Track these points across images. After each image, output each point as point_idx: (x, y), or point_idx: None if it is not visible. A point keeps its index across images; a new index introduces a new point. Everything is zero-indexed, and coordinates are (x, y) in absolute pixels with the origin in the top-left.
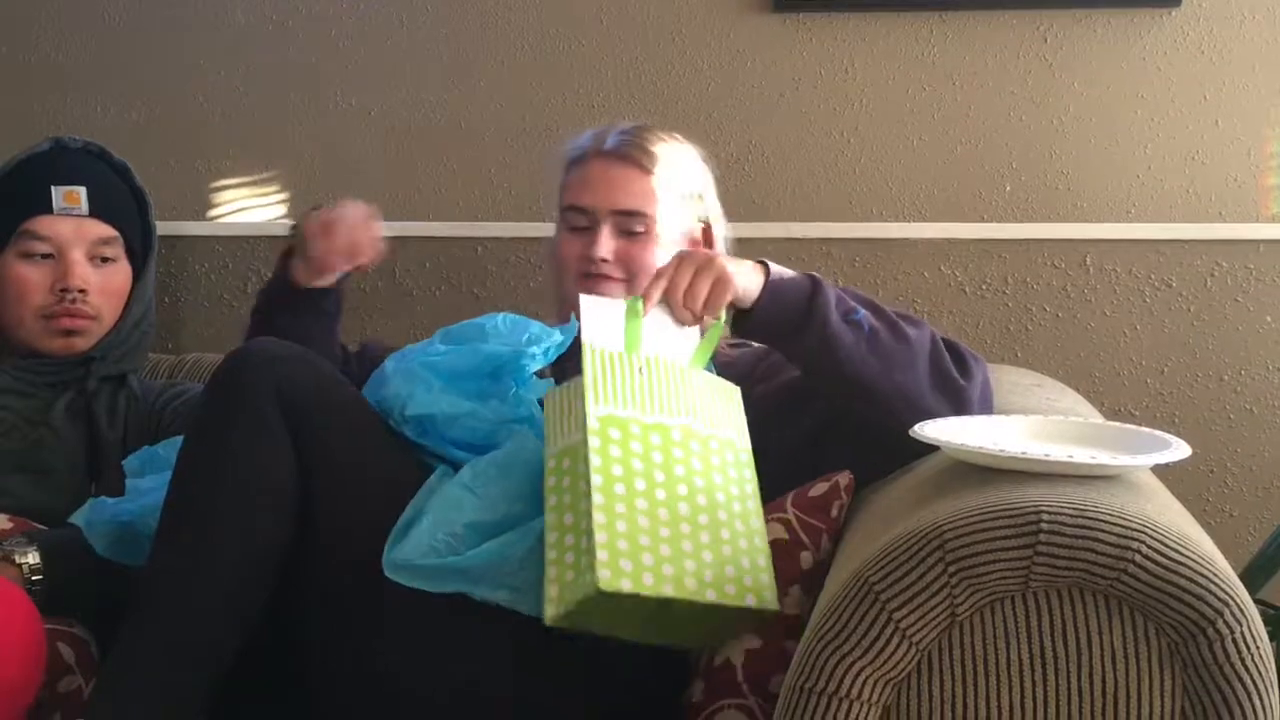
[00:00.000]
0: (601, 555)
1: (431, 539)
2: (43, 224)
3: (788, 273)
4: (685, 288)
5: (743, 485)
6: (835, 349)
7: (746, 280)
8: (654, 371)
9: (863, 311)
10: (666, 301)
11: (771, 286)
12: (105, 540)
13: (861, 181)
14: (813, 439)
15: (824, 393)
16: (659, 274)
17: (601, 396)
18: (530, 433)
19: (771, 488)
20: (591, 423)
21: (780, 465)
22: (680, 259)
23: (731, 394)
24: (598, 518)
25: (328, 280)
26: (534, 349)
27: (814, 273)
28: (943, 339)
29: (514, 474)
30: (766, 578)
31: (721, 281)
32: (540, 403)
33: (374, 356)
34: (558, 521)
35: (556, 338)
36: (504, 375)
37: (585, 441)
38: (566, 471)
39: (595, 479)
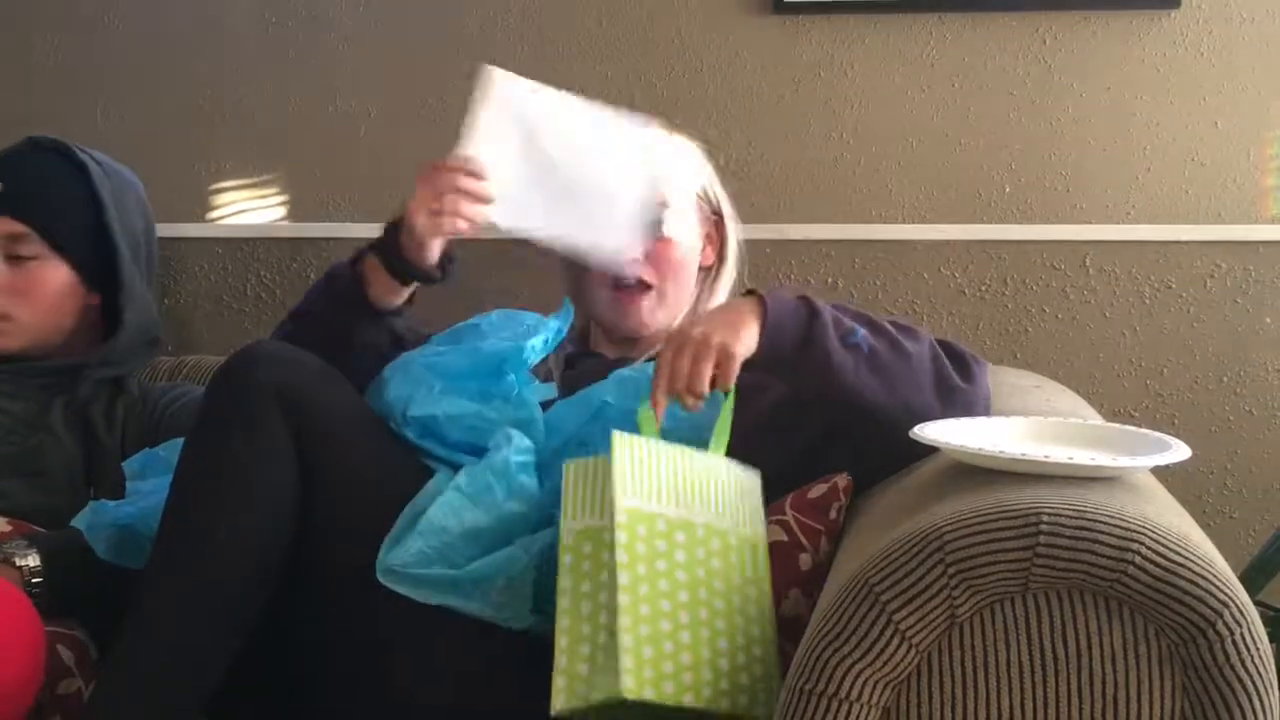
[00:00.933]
0: (627, 661)
1: (425, 545)
2: None
3: (781, 304)
4: (687, 376)
5: (760, 586)
6: (837, 377)
7: (747, 343)
8: (681, 462)
9: (861, 331)
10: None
11: (769, 331)
12: (106, 543)
13: (861, 183)
14: (809, 447)
15: (828, 414)
16: (658, 371)
17: (631, 488)
18: (524, 435)
19: (770, 497)
20: (620, 516)
21: (778, 476)
22: (674, 347)
23: (751, 483)
24: (624, 620)
25: (428, 248)
26: (533, 341)
27: (806, 295)
28: (941, 342)
29: (509, 478)
30: (776, 684)
31: (725, 359)
32: (543, 404)
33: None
34: (573, 607)
35: (553, 325)
36: (506, 371)
37: (612, 533)
38: (587, 556)
39: (622, 577)
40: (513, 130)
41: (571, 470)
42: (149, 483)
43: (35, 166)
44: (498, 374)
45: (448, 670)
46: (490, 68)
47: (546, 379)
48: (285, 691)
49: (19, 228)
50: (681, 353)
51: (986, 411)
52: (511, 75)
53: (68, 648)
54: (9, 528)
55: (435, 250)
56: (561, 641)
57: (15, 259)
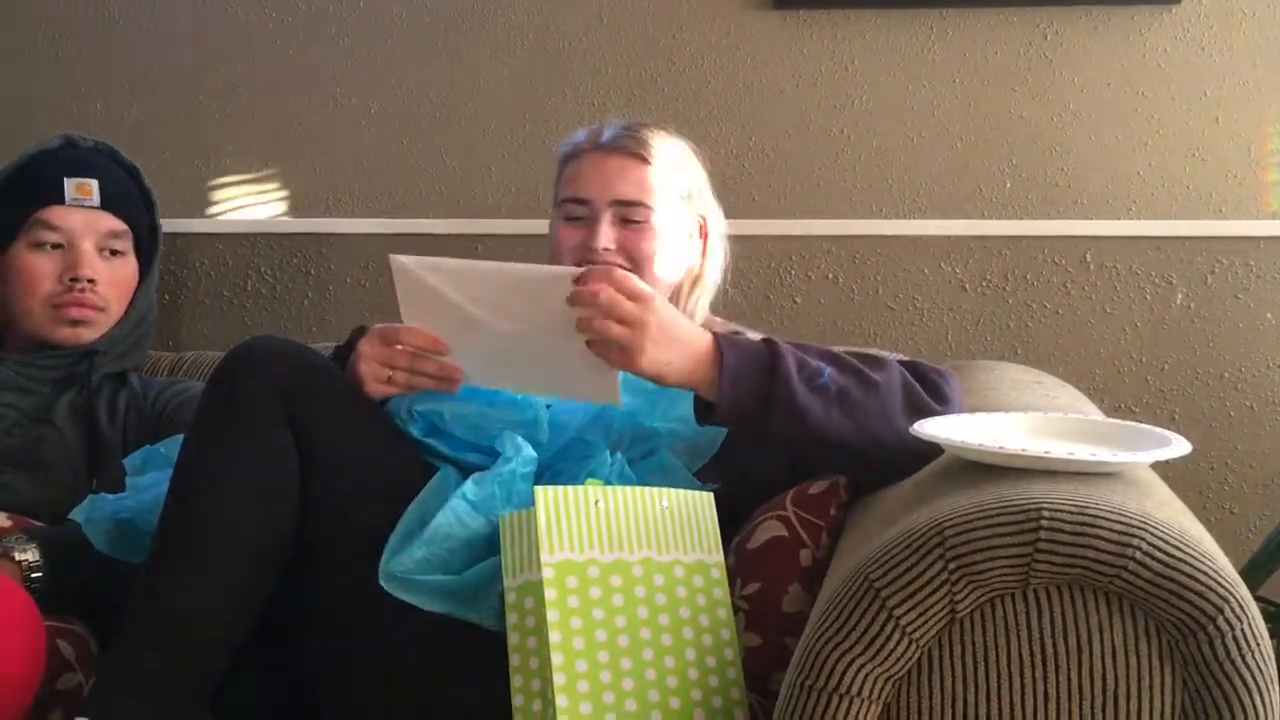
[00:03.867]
0: None
1: (429, 553)
2: (55, 214)
3: (742, 354)
4: (608, 322)
5: (713, 612)
6: (806, 422)
7: (665, 374)
8: (611, 502)
9: (827, 371)
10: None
11: (728, 375)
12: (105, 537)
13: (862, 178)
14: (787, 456)
15: (801, 458)
16: (596, 281)
17: (557, 541)
18: (532, 445)
19: (752, 505)
20: (546, 572)
21: (757, 484)
22: (626, 298)
23: (701, 503)
24: (558, 680)
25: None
26: None
27: (769, 338)
28: (908, 364)
29: (511, 487)
30: (740, 712)
31: (624, 353)
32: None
33: None
34: (523, 664)
35: None
36: None
37: (542, 588)
38: (530, 611)
39: (554, 636)
40: (441, 307)
41: (506, 524)
42: (148, 476)
43: (110, 167)
44: None
45: (446, 669)
46: (395, 257)
47: None
48: (288, 685)
49: (120, 225)
50: (626, 311)
51: None
52: (418, 260)
53: (68, 643)
54: (9, 523)
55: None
56: (518, 700)
57: (111, 255)
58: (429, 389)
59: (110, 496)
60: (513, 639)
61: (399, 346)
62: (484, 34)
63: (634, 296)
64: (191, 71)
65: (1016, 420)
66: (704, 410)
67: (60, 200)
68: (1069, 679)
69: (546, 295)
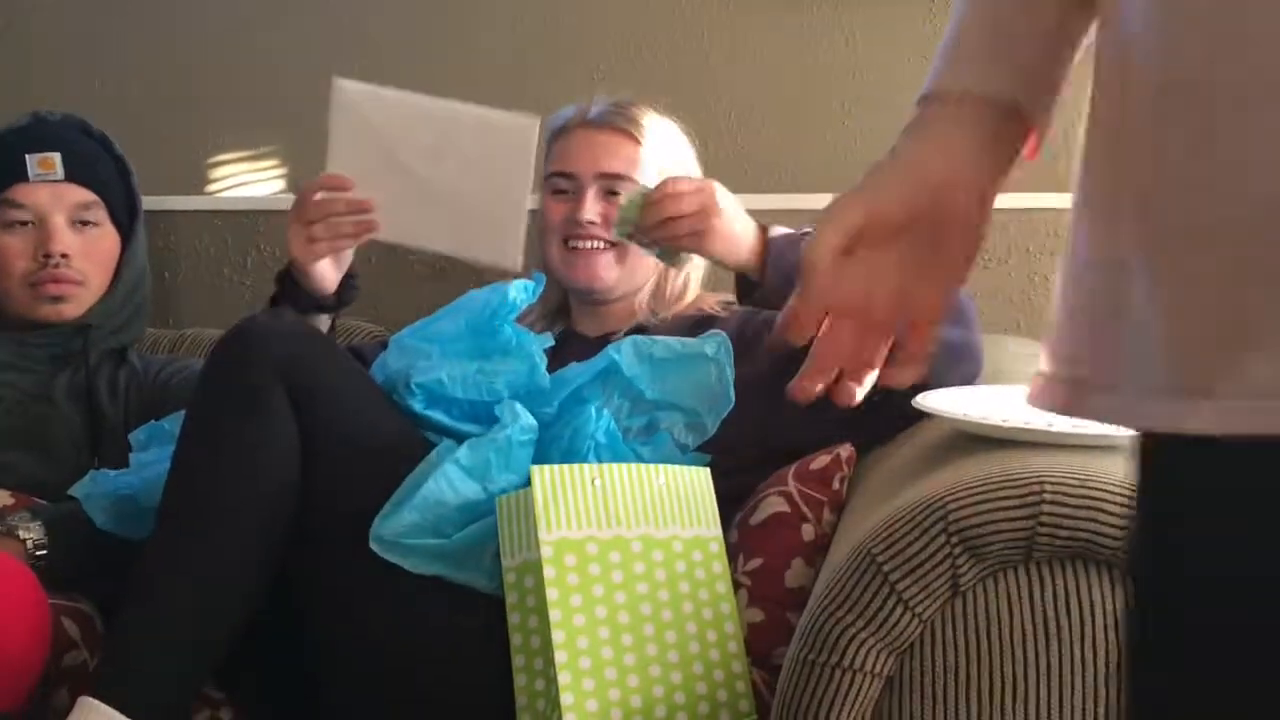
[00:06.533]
0: (567, 699)
1: (420, 517)
2: (20, 192)
3: (789, 235)
4: (678, 215)
5: (713, 586)
6: None
7: (727, 252)
8: (608, 479)
9: None
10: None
11: (772, 255)
12: (105, 513)
13: (861, 152)
14: (761, 424)
15: None
16: (664, 192)
17: (554, 519)
18: (526, 409)
19: (751, 482)
20: (545, 551)
21: (779, 429)
22: (697, 193)
23: (698, 479)
24: (559, 657)
25: (325, 279)
26: (514, 286)
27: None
28: None
29: (509, 455)
30: (742, 685)
31: (696, 237)
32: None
33: (365, 359)
34: (524, 644)
35: (528, 283)
36: (498, 322)
37: (540, 567)
38: (530, 591)
39: (554, 614)
40: (371, 142)
41: (502, 506)
42: (150, 453)
43: (77, 137)
44: (490, 327)
45: (443, 639)
46: (339, 80)
47: None
48: (291, 659)
49: (89, 196)
50: (688, 200)
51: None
52: (360, 85)
53: (72, 620)
54: (12, 500)
55: (328, 277)
56: (520, 680)
57: (83, 226)
58: (349, 236)
59: (111, 473)
60: (513, 619)
61: (316, 196)
62: (479, 7)
63: (698, 189)
64: (189, 48)
65: (1019, 393)
66: (746, 289)
67: (25, 177)
68: (1072, 651)
69: (489, 138)
